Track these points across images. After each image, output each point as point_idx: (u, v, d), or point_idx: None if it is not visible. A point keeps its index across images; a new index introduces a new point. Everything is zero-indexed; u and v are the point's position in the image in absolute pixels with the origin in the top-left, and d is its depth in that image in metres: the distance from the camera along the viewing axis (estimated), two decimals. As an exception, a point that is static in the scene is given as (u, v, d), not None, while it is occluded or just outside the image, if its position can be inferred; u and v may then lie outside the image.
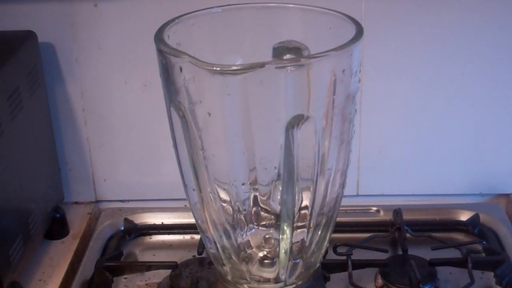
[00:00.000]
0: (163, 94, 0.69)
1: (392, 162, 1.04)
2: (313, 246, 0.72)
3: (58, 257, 0.95)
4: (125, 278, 0.92)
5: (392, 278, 0.87)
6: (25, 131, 0.89)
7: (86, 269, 0.92)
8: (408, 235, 0.94)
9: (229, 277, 0.73)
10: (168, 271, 0.90)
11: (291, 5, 0.73)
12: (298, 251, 0.72)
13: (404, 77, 0.98)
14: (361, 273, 0.89)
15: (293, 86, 0.64)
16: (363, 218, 1.02)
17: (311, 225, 0.71)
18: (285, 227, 0.67)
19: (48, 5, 0.95)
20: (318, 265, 0.75)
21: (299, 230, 0.72)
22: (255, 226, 0.75)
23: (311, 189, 0.69)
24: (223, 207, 0.71)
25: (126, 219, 1.02)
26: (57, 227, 0.99)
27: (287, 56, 0.68)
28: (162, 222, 1.03)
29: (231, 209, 0.72)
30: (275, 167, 0.72)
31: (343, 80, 0.65)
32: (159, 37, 0.66)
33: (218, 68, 0.60)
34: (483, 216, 1.00)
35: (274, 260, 0.73)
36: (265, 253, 0.74)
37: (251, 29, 0.74)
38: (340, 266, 0.89)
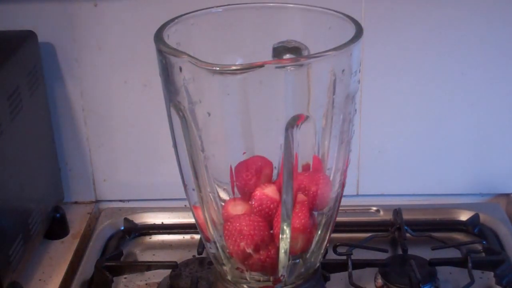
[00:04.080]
0: (163, 94, 0.69)
1: (392, 162, 1.03)
2: (313, 246, 0.72)
3: (58, 257, 0.95)
4: (125, 278, 0.92)
5: (392, 278, 0.87)
6: (25, 131, 0.89)
7: (86, 269, 0.92)
8: (408, 235, 0.94)
9: (229, 277, 0.73)
10: (168, 271, 0.90)
11: (291, 5, 0.73)
12: (298, 251, 0.72)
13: (404, 77, 0.98)
14: (361, 273, 0.89)
15: (293, 86, 0.64)
16: (363, 218, 1.02)
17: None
18: (284, 227, 0.67)
19: (48, 5, 0.95)
20: (318, 265, 0.75)
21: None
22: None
23: (311, 189, 0.69)
24: (223, 207, 0.71)
25: (126, 219, 1.02)
26: (57, 227, 0.99)
27: (287, 56, 0.68)
28: (162, 222, 1.03)
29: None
30: (275, 167, 0.72)
31: (343, 80, 0.65)
32: (159, 37, 0.66)
33: (218, 68, 0.60)
34: (483, 216, 1.00)
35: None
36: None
37: (251, 29, 0.74)
38: (340, 266, 0.89)
